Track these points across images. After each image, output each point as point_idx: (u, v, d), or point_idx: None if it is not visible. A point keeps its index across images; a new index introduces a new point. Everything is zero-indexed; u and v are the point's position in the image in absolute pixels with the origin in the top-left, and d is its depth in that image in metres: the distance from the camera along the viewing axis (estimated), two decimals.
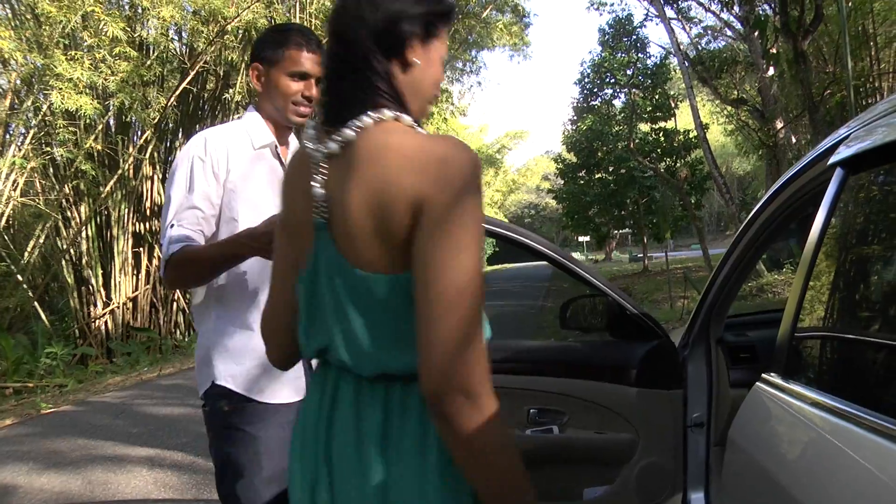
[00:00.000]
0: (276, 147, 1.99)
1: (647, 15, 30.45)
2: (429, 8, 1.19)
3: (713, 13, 22.88)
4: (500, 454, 1.07)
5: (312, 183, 1.14)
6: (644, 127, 30.82)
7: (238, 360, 1.86)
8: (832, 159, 1.43)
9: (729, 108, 24.28)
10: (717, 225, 56.73)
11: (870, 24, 18.22)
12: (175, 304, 14.07)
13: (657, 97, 30.22)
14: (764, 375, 1.49)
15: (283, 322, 1.26)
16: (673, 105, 29.27)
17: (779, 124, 18.19)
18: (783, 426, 1.33)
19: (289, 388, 1.88)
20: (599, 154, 31.67)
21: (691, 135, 28.76)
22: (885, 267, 1.24)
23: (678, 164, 29.47)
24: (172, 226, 1.80)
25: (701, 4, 22.64)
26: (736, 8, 18.68)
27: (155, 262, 13.55)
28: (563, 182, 34.28)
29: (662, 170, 28.72)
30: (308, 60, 1.94)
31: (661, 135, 30.67)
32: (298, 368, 1.86)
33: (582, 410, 2.50)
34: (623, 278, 27.62)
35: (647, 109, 30.27)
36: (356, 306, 1.10)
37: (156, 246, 13.49)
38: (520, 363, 2.57)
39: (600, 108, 33.12)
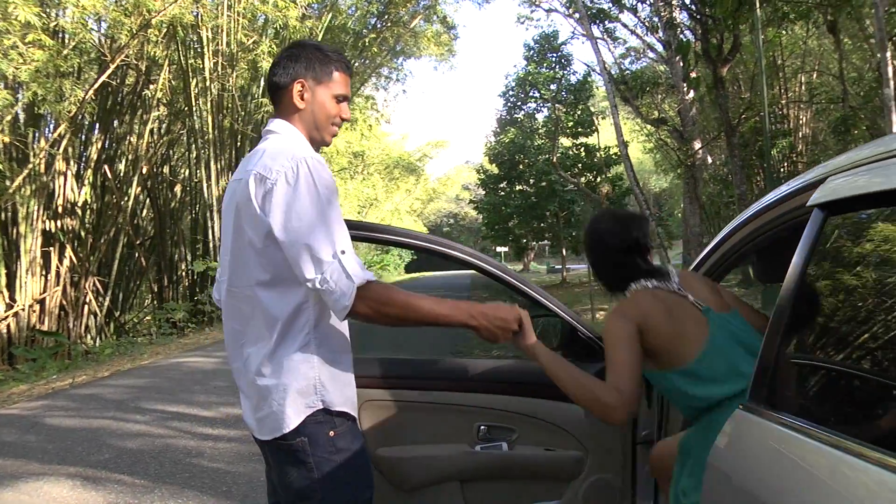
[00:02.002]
0: None
1: (573, 33, 31.09)
2: None
3: (637, 35, 23.63)
4: None
5: None
6: (566, 141, 31.46)
7: (350, 385, 1.85)
8: (811, 201, 1.50)
9: (649, 127, 25.11)
10: None
11: (779, 56, 19.23)
12: (86, 306, 13.37)
13: (579, 113, 30.93)
14: (750, 403, 1.52)
15: None
16: (595, 122, 30.02)
17: (697, 145, 18.86)
18: (769, 453, 1.37)
19: None
20: (521, 166, 32.14)
21: (612, 151, 29.61)
22: (861, 300, 1.34)
23: (598, 180, 30.20)
24: (344, 252, 1.68)
25: (625, 26, 23.33)
26: (660, 32, 19.32)
27: (66, 262, 12.84)
28: (484, 192, 34.61)
29: (584, 184, 29.45)
30: (348, 84, 1.95)
31: (582, 150, 31.39)
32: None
33: (531, 427, 2.53)
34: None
35: (570, 125, 30.95)
36: None
37: (67, 245, 12.80)
38: (471, 381, 2.59)
39: (523, 122, 33.65)
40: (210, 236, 15.66)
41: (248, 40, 15.40)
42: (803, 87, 20.13)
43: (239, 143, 16.37)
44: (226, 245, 1.89)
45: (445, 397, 2.45)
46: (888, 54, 12.92)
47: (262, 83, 16.10)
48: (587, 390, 1.82)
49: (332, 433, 1.78)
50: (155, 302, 16.94)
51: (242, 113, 16.09)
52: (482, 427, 2.54)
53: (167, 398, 7.37)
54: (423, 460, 2.50)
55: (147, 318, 16.88)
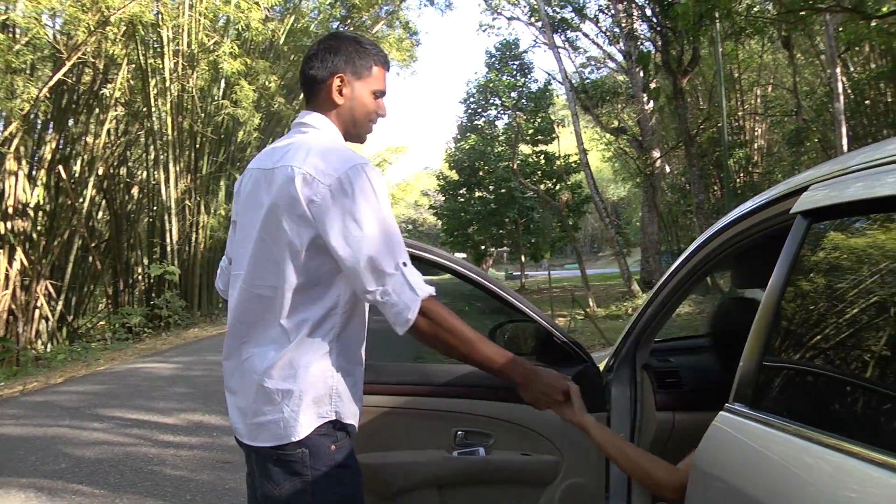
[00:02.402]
0: None
1: (535, 41, 31.39)
2: None
3: (598, 45, 23.96)
4: None
5: None
6: (525, 149, 31.72)
7: (360, 400, 1.79)
8: (795, 208, 1.53)
9: (608, 136, 25.46)
10: (591, 246, 59.20)
11: (736, 70, 19.71)
12: (38, 311, 12.98)
13: (539, 121, 31.21)
14: (730, 405, 1.55)
15: None
16: (555, 129, 30.33)
17: (656, 154, 19.19)
18: (754, 450, 1.42)
19: None
20: (481, 173, 32.28)
21: (571, 159, 29.94)
22: (844, 305, 1.37)
23: (558, 187, 30.50)
24: (406, 264, 1.63)
25: (587, 36, 23.65)
26: (621, 42, 19.65)
27: (17, 265, 12.45)
28: (443, 198, 34.68)
29: (543, 191, 29.72)
30: (385, 79, 1.87)
31: (541, 158, 31.67)
32: None
33: (508, 432, 2.53)
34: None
35: (530, 132, 31.22)
36: None
37: (18, 247, 12.42)
38: (448, 386, 2.57)
39: (484, 128, 33.80)
40: (168, 239, 15.37)
41: (209, 41, 15.17)
42: (759, 100, 20.63)
43: (198, 145, 16.09)
44: (244, 238, 1.77)
45: (423, 403, 2.43)
46: (838, 70, 13.34)
47: (223, 84, 15.90)
48: (640, 468, 1.82)
49: (333, 447, 1.70)
50: (110, 306, 16.53)
51: (202, 115, 15.84)
52: (459, 432, 2.52)
53: (125, 405, 7.18)
54: (402, 467, 2.47)
55: (101, 323, 16.47)
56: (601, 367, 2.64)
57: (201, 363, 10.07)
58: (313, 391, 1.67)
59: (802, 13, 10.25)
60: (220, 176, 16.36)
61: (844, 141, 12.91)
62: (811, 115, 17.01)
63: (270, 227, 1.66)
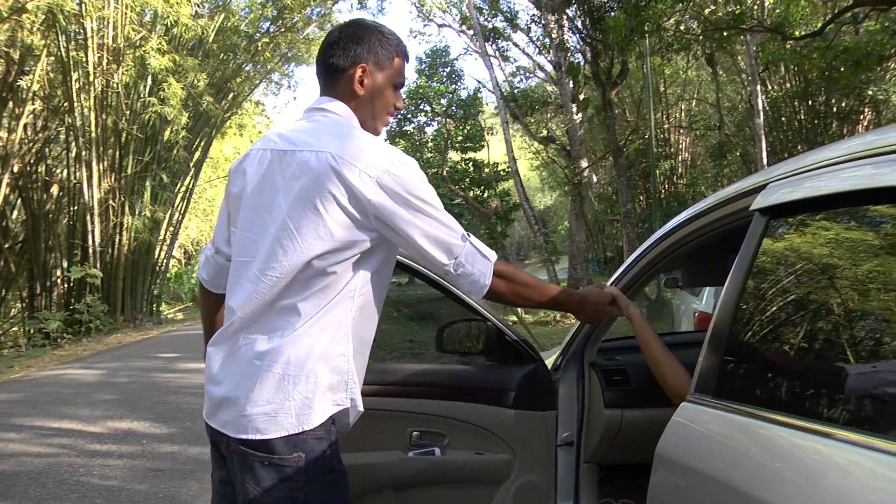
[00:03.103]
0: None
1: (466, 49, 31.66)
2: None
3: (528, 55, 24.36)
4: None
5: None
6: (454, 156, 31.93)
7: (359, 385, 1.71)
8: (754, 205, 1.59)
9: (536, 144, 25.89)
10: (518, 254, 60.02)
11: (662, 84, 20.40)
12: None
13: (469, 128, 31.48)
14: (692, 396, 1.61)
15: None
16: (485, 137, 30.67)
17: (584, 164, 19.61)
18: (723, 436, 1.48)
19: None
20: None
21: (500, 167, 30.28)
22: (800, 298, 1.47)
23: (486, 195, 30.82)
24: (469, 234, 1.72)
25: (517, 45, 24.01)
26: (551, 53, 20.00)
27: None
28: None
29: (472, 198, 29.97)
30: (405, 71, 1.85)
31: (470, 165, 31.92)
32: None
33: (462, 432, 2.55)
34: (430, 302, 28.11)
35: (459, 139, 31.44)
36: None
37: None
38: (403, 386, 2.57)
39: (413, 134, 33.83)
40: (90, 241, 14.72)
41: (135, 35, 14.65)
42: (683, 115, 21.37)
43: (123, 143, 15.50)
44: (253, 222, 1.69)
45: (378, 403, 2.39)
46: (758, 87, 13.97)
47: (150, 81, 15.37)
48: (658, 367, 1.95)
49: (328, 451, 1.62)
50: (25, 311, 15.70)
51: (128, 112, 15.26)
52: (415, 433, 2.52)
53: (46, 413, 6.81)
54: (357, 469, 2.44)
55: (14, 328, 15.62)
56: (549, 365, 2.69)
57: (127, 369, 9.68)
58: (329, 377, 1.62)
59: (727, 32, 10.67)
60: (146, 176, 15.77)
61: (764, 154, 13.52)
62: (733, 130, 17.73)
63: (298, 211, 1.60)
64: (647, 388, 2.60)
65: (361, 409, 1.71)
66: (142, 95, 15.27)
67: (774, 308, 1.55)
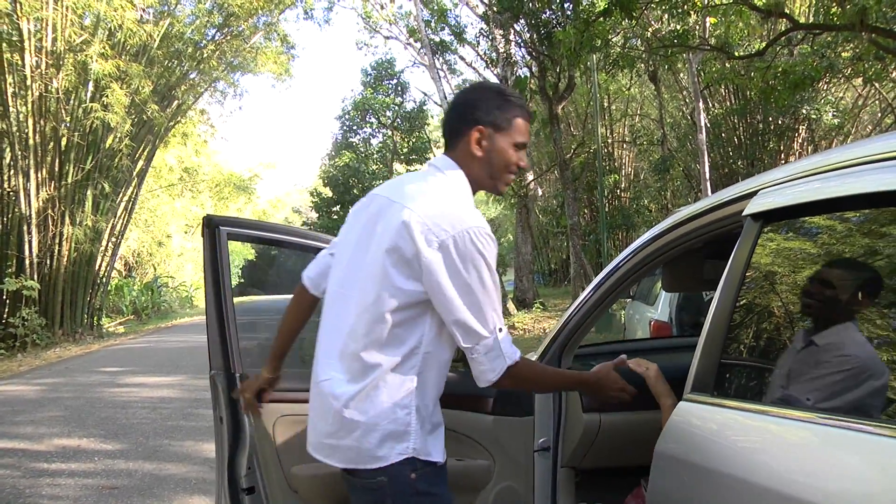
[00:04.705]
0: None
1: (413, 62, 31.73)
2: None
3: (474, 69, 24.55)
4: None
5: None
6: (400, 168, 31.95)
7: (439, 435, 1.84)
8: (747, 210, 1.66)
9: None
10: None
11: (606, 100, 20.86)
12: None
13: (414, 140, 31.55)
14: (690, 395, 1.67)
15: None
16: (431, 148, 30.79)
17: (530, 177, 19.85)
18: (722, 431, 1.55)
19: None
20: (355, 190, 32.14)
21: None
22: (794, 299, 1.56)
23: None
24: (501, 329, 1.74)
25: (463, 59, 24.17)
26: (498, 67, 20.22)
27: None
28: (317, 216, 34.26)
29: None
30: (528, 130, 1.88)
31: None
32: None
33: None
34: None
35: (404, 151, 31.48)
36: None
37: None
38: None
39: (358, 146, 33.71)
40: (26, 252, 14.15)
41: (77, 38, 14.18)
42: (626, 130, 21.87)
43: (64, 150, 14.97)
44: (352, 261, 1.82)
45: None
46: (700, 105, 14.40)
47: (92, 87, 14.91)
48: None
49: (413, 475, 1.73)
50: None
51: (69, 118, 14.75)
52: None
53: None
54: (339, 478, 2.43)
55: None
56: None
57: (71, 385, 9.31)
58: (389, 426, 1.72)
59: (673, 49, 11.00)
60: (88, 185, 15.24)
61: (707, 169, 13.92)
62: (675, 146, 18.21)
63: (376, 261, 1.72)
64: None
65: (429, 459, 1.77)
66: (83, 101, 14.78)
67: (769, 310, 1.64)
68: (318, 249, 2.61)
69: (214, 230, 2.37)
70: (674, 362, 2.82)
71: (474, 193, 1.87)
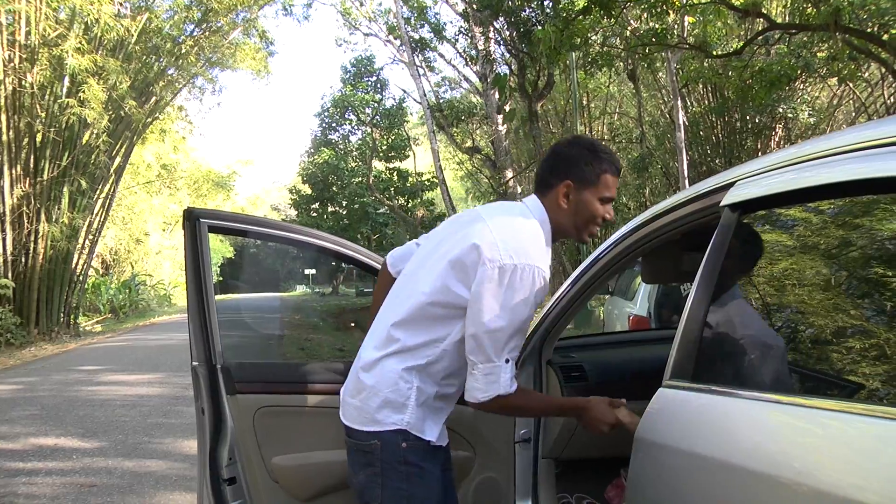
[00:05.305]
0: None
1: (392, 59, 31.70)
2: None
3: (453, 66, 24.58)
4: None
5: None
6: (379, 165, 31.91)
7: (438, 422, 1.95)
8: (724, 201, 1.69)
9: (460, 155, 26.13)
10: None
11: (585, 98, 20.94)
12: None
13: (393, 138, 31.53)
14: (670, 382, 1.70)
15: None
16: (410, 146, 30.78)
17: (509, 174, 19.90)
18: (696, 414, 1.60)
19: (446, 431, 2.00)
20: (334, 188, 32.10)
21: (424, 177, 30.46)
22: (772, 288, 1.61)
23: (411, 204, 30.92)
24: (508, 361, 1.83)
25: (442, 56, 24.19)
26: (477, 65, 20.26)
27: None
28: (296, 213, 34.16)
29: (398, 207, 30.03)
30: (615, 185, 1.97)
31: (394, 174, 31.96)
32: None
33: None
34: (355, 312, 27.98)
35: (383, 148, 31.45)
36: None
37: None
38: None
39: (338, 143, 33.65)
40: (1, 250, 13.97)
41: (52, 32, 13.97)
42: (605, 128, 21.97)
43: (39, 146, 14.76)
44: (426, 255, 1.97)
45: (338, 401, 2.42)
46: (679, 103, 14.52)
47: (69, 82, 14.69)
48: None
49: (404, 444, 1.86)
50: None
51: (44, 114, 14.54)
52: None
53: None
54: (321, 467, 2.44)
55: None
56: None
57: (47, 383, 9.21)
58: (390, 395, 1.87)
59: (652, 47, 11.08)
60: (64, 181, 15.01)
61: (685, 167, 14.04)
62: (654, 144, 18.33)
63: (443, 259, 1.88)
64: (604, 383, 2.68)
65: (423, 436, 1.88)
66: (59, 97, 14.57)
67: (747, 297, 1.68)
68: (300, 243, 2.62)
69: (195, 222, 2.37)
70: (652, 354, 2.87)
71: (557, 240, 2.02)
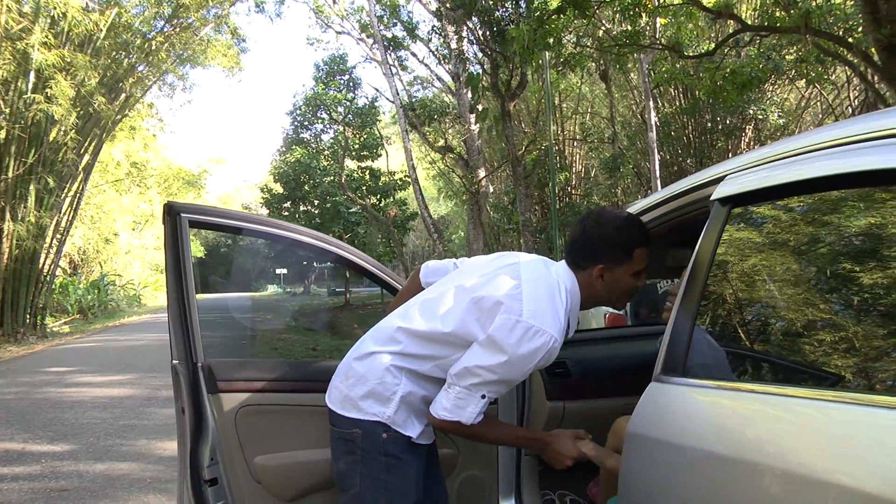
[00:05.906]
0: None
1: (365, 58, 31.57)
2: None
3: (426, 65, 24.57)
4: None
5: None
6: (351, 164, 31.77)
7: (418, 421, 1.98)
8: (715, 195, 1.71)
9: (433, 154, 26.12)
10: (413, 262, 60.23)
11: (557, 98, 21.07)
12: None
13: (365, 137, 31.42)
14: (661, 376, 1.72)
15: None
16: (383, 145, 30.68)
17: (481, 173, 19.95)
18: (687, 407, 1.62)
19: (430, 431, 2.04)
20: (306, 187, 31.88)
21: (397, 176, 30.41)
22: (761, 281, 1.62)
23: (383, 203, 30.85)
24: (484, 397, 1.87)
25: (415, 55, 24.17)
26: (450, 64, 20.27)
27: None
28: (267, 212, 33.85)
29: (370, 206, 29.93)
30: (647, 256, 1.98)
31: (366, 173, 31.86)
32: None
33: None
34: (328, 311, 27.89)
35: (356, 147, 31.33)
36: None
37: None
38: None
39: (310, 142, 33.43)
40: None
41: (16, 25, 13.66)
42: (577, 128, 22.10)
43: (3, 143, 14.42)
44: (470, 269, 2.06)
45: (320, 399, 2.40)
46: (651, 103, 14.67)
47: (34, 77, 14.39)
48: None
49: (385, 435, 1.91)
50: None
51: (8, 110, 14.22)
52: None
53: None
54: (304, 467, 2.41)
55: None
56: None
57: (13, 385, 9.00)
58: (377, 386, 1.93)
59: (625, 49, 11.17)
60: (30, 179, 14.72)
61: (657, 167, 14.19)
62: (626, 144, 18.50)
63: (470, 291, 1.93)
64: (588, 380, 2.70)
65: (402, 430, 1.93)
66: (24, 92, 14.27)
67: (735, 293, 1.69)
68: (282, 238, 2.58)
69: (176, 217, 2.32)
70: (632, 350, 2.89)
71: (591, 307, 2.06)
